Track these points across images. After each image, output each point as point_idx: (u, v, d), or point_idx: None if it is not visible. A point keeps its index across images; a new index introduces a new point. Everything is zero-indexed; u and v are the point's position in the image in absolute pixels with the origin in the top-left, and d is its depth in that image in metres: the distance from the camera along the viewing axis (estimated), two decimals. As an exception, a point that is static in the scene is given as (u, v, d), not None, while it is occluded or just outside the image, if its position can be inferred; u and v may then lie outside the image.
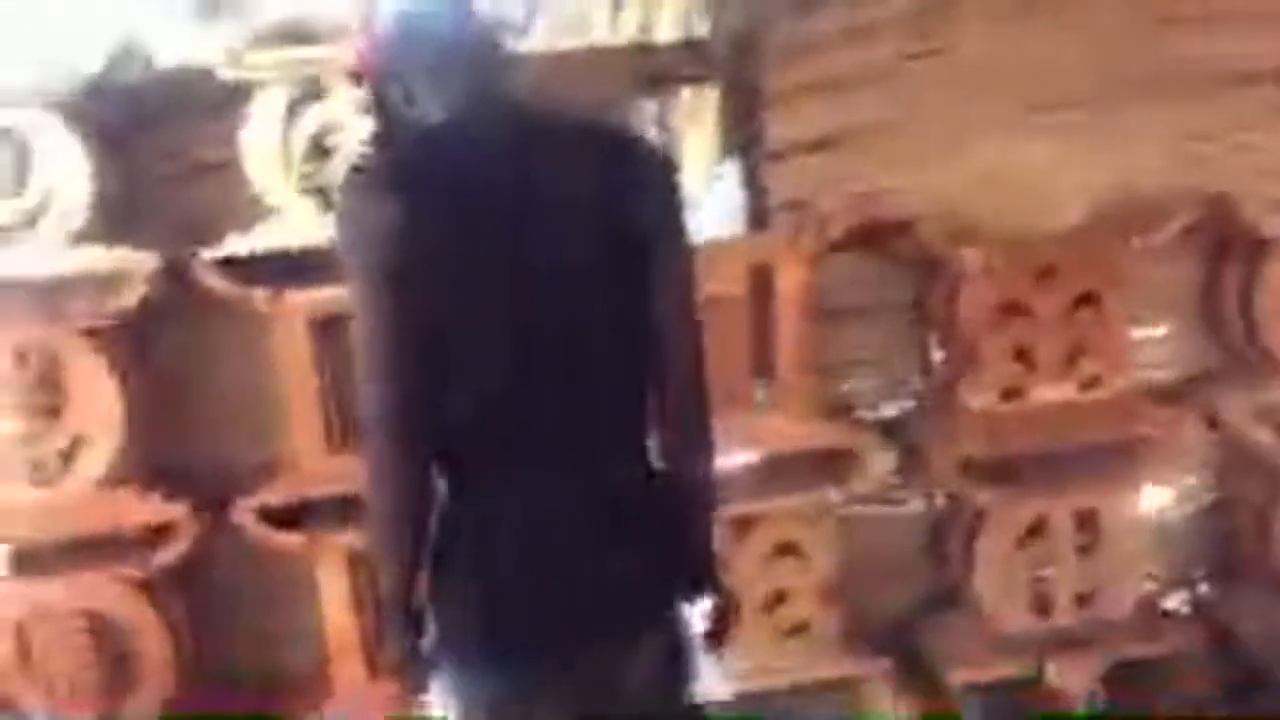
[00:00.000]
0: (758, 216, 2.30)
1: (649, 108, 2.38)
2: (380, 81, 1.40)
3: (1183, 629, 2.49)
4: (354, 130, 2.13)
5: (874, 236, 2.32)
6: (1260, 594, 2.49)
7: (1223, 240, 2.45)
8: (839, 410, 2.35)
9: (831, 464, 2.30)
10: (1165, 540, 2.53)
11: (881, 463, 2.29)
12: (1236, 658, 2.47)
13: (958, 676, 2.36)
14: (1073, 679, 2.39)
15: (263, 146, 2.10)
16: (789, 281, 2.23)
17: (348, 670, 2.24)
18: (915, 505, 2.45)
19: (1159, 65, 2.27)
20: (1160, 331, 2.51)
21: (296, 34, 2.11)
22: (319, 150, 2.14)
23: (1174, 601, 2.56)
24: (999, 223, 2.28)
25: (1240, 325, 2.45)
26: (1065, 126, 2.28)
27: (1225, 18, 2.27)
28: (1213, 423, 2.44)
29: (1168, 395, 2.45)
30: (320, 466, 2.17)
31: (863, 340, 2.44)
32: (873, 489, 2.32)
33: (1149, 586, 2.51)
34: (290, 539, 2.17)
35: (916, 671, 2.36)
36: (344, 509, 2.20)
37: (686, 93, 2.39)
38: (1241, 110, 2.33)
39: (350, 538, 2.19)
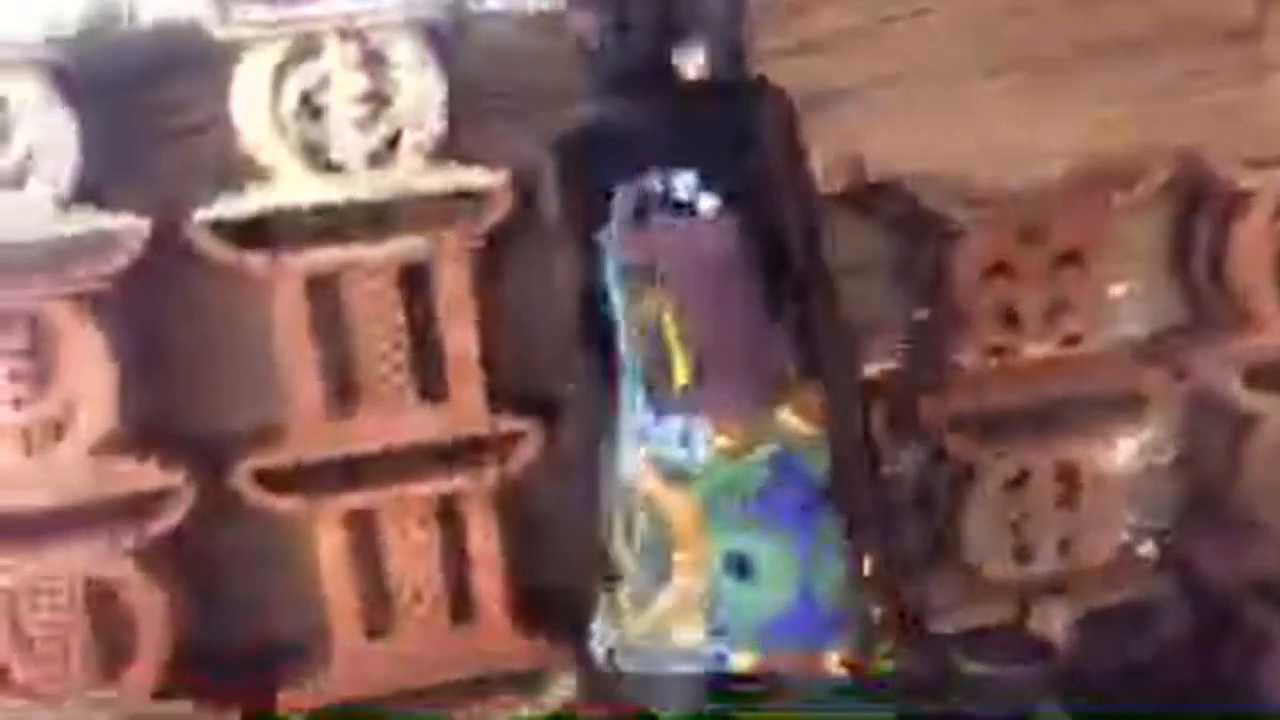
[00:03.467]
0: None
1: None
2: None
3: (1153, 574, 2.60)
4: (345, 88, 2.11)
5: (863, 196, 2.35)
6: (1226, 540, 2.60)
7: (1193, 196, 2.52)
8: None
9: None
10: (1139, 489, 2.62)
11: (872, 419, 2.33)
12: (1203, 601, 2.58)
13: (944, 624, 2.43)
14: (1052, 624, 2.48)
15: (253, 105, 2.06)
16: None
17: (347, 636, 2.24)
18: (906, 462, 2.50)
19: (1130, 24, 2.33)
20: (1135, 287, 2.58)
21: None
22: (309, 109, 2.11)
23: (1146, 548, 2.66)
24: (984, 182, 2.33)
25: (1209, 280, 2.54)
26: (1043, 85, 2.34)
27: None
28: (1181, 375, 2.53)
29: (1141, 349, 2.54)
30: (319, 430, 2.15)
31: (850, 299, 2.46)
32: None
33: (1124, 535, 2.61)
34: (288, 502, 2.16)
35: (903, 618, 2.42)
36: (342, 473, 2.20)
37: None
38: (1209, 67, 2.41)
39: (350, 499, 2.20)
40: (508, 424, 2.21)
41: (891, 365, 2.50)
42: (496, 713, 2.30)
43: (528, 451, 2.22)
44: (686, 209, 1.50)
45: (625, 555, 1.63)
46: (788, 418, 1.57)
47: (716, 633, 1.58)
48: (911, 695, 2.38)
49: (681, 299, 1.52)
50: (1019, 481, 2.46)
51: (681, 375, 1.56)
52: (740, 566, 1.57)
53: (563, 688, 2.29)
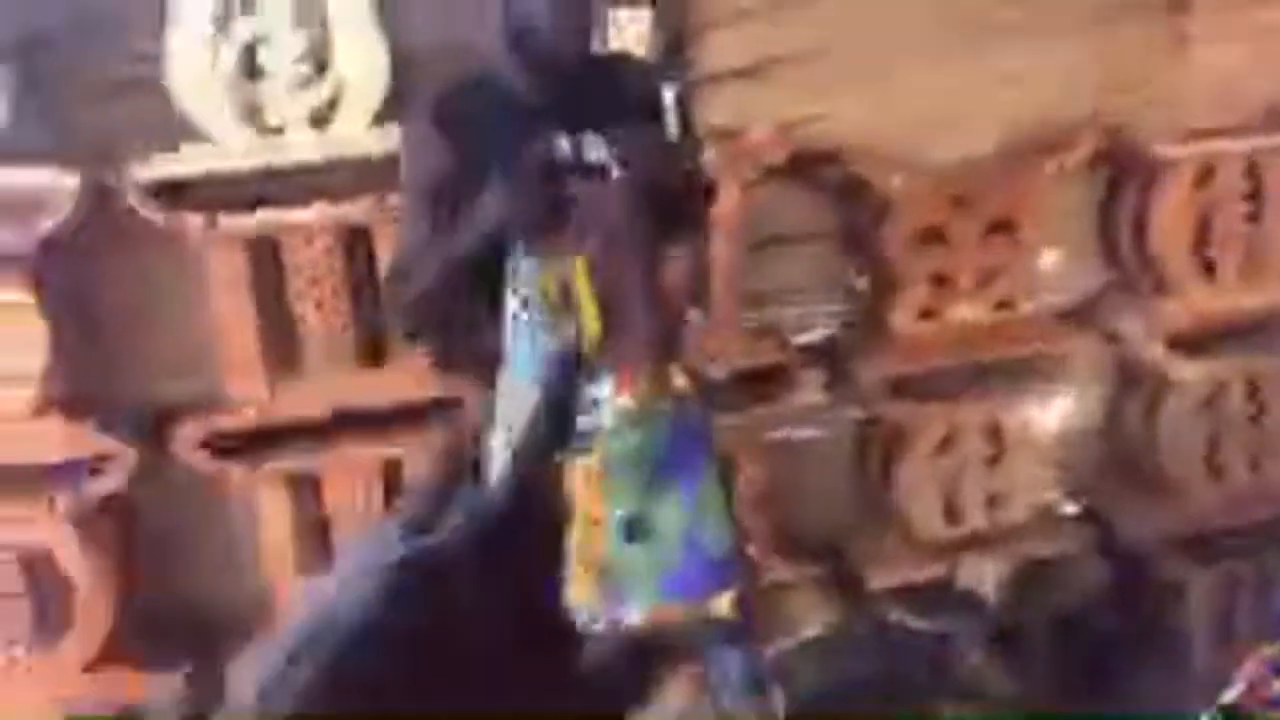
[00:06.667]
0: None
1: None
2: None
3: (1076, 531, 2.70)
4: (286, 47, 2.08)
5: (800, 165, 2.38)
6: (1142, 498, 2.72)
7: (1119, 167, 2.60)
8: (769, 335, 2.44)
9: (764, 385, 2.39)
10: (1063, 449, 2.72)
11: (811, 382, 2.39)
12: (1121, 556, 2.69)
13: (880, 581, 2.51)
14: (982, 579, 2.58)
15: (187, 62, 2.02)
16: (722, 209, 2.27)
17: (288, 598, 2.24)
18: (842, 424, 2.56)
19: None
20: (1064, 254, 2.66)
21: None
22: (247, 69, 2.08)
23: (1069, 506, 2.76)
24: (919, 151, 2.38)
25: (1133, 248, 2.62)
26: (976, 58, 2.39)
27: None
28: (1109, 339, 2.63)
29: (1069, 314, 2.62)
30: (259, 395, 2.14)
31: (790, 267, 2.51)
32: (803, 409, 2.42)
33: (1048, 493, 2.71)
34: (231, 468, 2.15)
35: (843, 578, 2.50)
36: (283, 437, 2.19)
37: (623, 14, 2.38)
38: (1134, 41, 2.48)
39: (290, 463, 2.19)
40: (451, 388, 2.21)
41: (831, 330, 2.56)
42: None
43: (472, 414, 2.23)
44: (598, 171, 1.54)
45: None
46: (678, 374, 1.67)
47: (610, 595, 1.63)
48: (848, 651, 2.47)
49: (595, 255, 1.55)
50: (948, 442, 2.54)
51: (593, 329, 1.60)
52: (634, 531, 1.62)
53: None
